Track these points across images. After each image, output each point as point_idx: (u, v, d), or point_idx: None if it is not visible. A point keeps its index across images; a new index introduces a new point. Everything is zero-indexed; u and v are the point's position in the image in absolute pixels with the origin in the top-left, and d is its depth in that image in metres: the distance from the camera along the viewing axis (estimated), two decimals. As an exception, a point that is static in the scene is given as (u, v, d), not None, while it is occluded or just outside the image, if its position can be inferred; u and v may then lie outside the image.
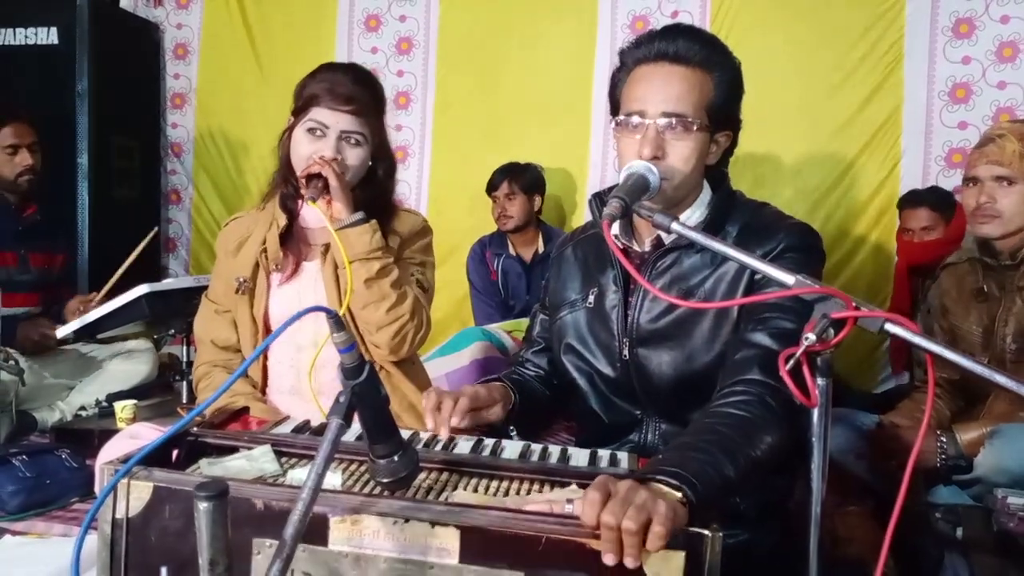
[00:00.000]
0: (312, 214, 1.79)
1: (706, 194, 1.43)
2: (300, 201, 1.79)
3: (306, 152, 1.72)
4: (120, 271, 2.81)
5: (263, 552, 0.91)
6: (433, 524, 0.89)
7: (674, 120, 1.31)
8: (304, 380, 1.75)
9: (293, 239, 1.81)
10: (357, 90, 1.72)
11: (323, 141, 1.71)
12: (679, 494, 0.96)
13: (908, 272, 3.03)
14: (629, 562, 0.88)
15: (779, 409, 1.18)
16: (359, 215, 1.71)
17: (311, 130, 1.71)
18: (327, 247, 1.78)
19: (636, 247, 1.44)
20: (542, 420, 1.58)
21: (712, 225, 1.38)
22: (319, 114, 1.71)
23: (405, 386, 1.84)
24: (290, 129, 1.76)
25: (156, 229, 2.86)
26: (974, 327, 1.96)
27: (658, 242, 1.40)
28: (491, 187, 3.54)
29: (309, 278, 1.80)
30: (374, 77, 1.82)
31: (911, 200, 3.04)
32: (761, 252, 1.31)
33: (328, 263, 1.77)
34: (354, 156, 1.74)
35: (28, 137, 2.76)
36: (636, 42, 1.39)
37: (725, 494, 1.08)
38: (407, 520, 0.89)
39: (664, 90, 1.32)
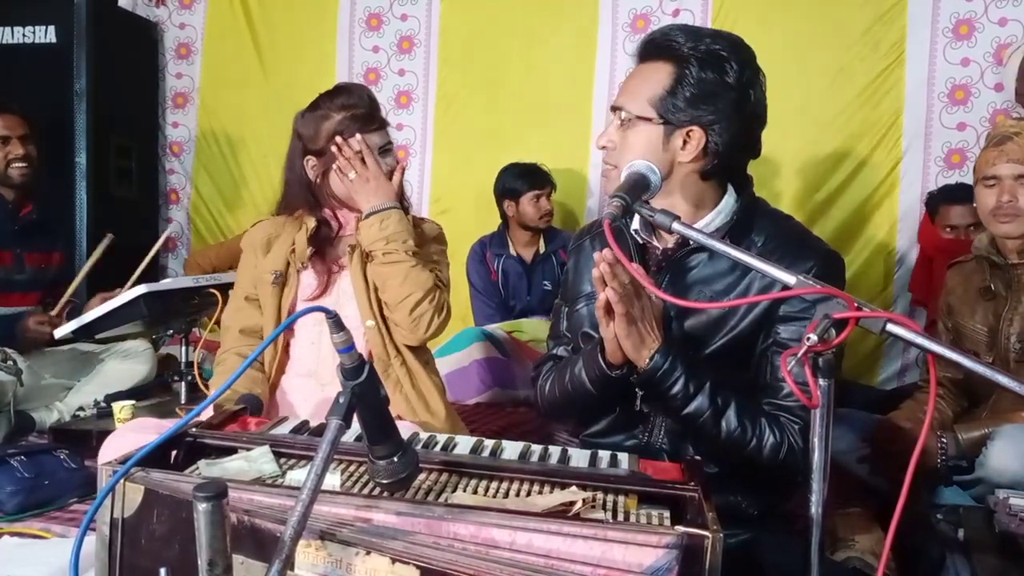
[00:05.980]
0: (351, 220, 1.86)
1: (729, 198, 1.40)
2: (337, 225, 1.85)
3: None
4: (76, 282, 2.78)
5: (236, 569, 0.89)
6: (394, 561, 0.85)
7: (621, 113, 1.37)
8: (323, 363, 1.80)
9: (322, 258, 1.84)
10: (369, 103, 1.81)
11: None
12: (655, 346, 1.24)
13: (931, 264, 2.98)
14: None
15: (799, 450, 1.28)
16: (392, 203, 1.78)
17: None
18: (354, 248, 1.82)
19: (656, 243, 1.42)
20: None
21: (736, 232, 1.36)
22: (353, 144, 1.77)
23: (423, 384, 1.87)
24: (322, 174, 1.81)
25: (111, 238, 2.83)
26: (979, 326, 1.95)
27: (683, 240, 1.36)
28: (520, 190, 3.46)
29: (336, 291, 1.84)
30: (361, 84, 1.91)
31: (952, 197, 2.90)
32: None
33: (356, 261, 1.80)
34: (392, 161, 1.85)
35: (19, 129, 2.72)
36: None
37: (677, 402, 1.26)
38: (368, 552, 0.86)
39: (625, 86, 1.39)
